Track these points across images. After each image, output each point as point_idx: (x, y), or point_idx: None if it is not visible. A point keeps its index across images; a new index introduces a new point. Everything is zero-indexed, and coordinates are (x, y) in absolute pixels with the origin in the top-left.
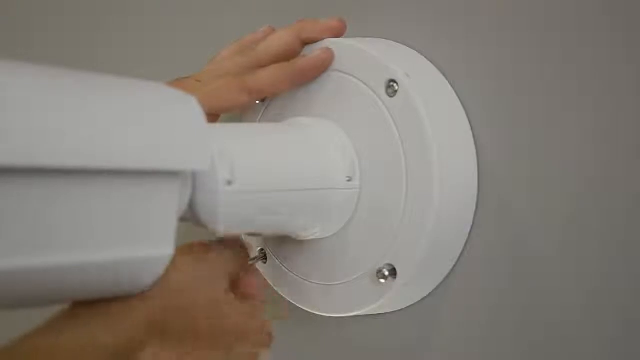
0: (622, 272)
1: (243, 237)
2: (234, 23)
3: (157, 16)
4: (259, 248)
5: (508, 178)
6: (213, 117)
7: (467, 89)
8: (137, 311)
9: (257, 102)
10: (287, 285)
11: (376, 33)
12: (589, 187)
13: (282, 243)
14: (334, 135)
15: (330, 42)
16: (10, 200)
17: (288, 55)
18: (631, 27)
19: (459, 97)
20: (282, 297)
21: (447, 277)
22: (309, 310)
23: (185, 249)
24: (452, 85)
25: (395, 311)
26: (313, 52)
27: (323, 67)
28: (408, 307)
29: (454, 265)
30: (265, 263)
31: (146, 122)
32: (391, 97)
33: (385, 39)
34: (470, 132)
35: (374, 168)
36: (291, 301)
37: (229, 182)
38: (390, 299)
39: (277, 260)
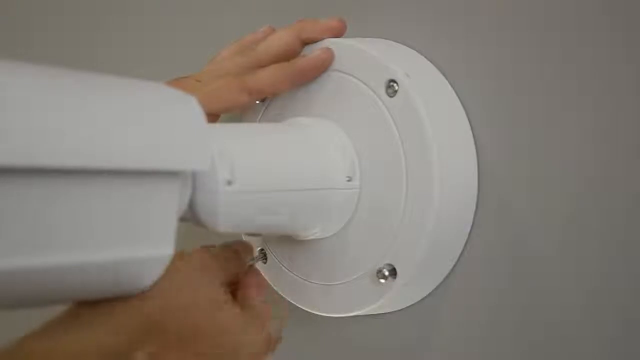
0: (622, 272)
1: (243, 237)
2: (234, 23)
3: (157, 16)
4: (259, 248)
5: (508, 178)
6: (213, 117)
7: (467, 89)
8: (137, 311)
9: (257, 102)
10: (287, 285)
11: (376, 33)
12: (589, 187)
13: (282, 243)
14: (334, 135)
15: (330, 42)
16: (10, 200)
17: (288, 55)
18: (631, 27)
19: (459, 97)
20: (282, 297)
21: (447, 277)
22: (309, 310)
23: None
24: (452, 85)
25: (395, 311)
26: (313, 52)
27: (323, 67)
28: (408, 307)
29: (454, 265)
30: (265, 263)
31: (146, 122)
32: (391, 97)
33: (385, 39)
34: (470, 132)
35: (374, 168)
36: (291, 301)
37: (229, 182)
38: (390, 299)
39: (277, 260)
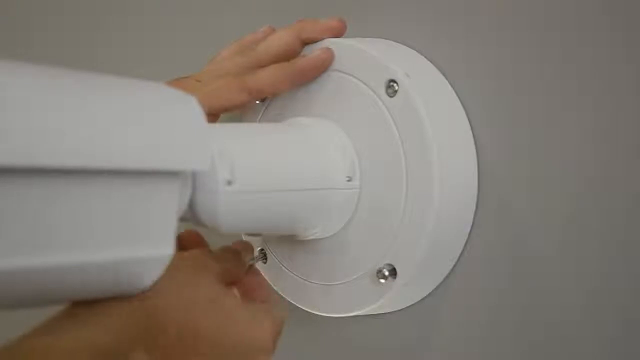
0: (622, 272)
1: (243, 237)
2: (234, 23)
3: (157, 16)
4: (259, 248)
5: (508, 178)
6: (213, 117)
7: (467, 89)
8: (137, 311)
9: (257, 102)
10: (287, 285)
11: (376, 33)
12: (589, 187)
13: (282, 243)
14: (334, 135)
15: (330, 42)
16: (10, 200)
17: (288, 55)
18: (631, 27)
19: (459, 97)
20: (282, 297)
21: (447, 277)
22: (309, 310)
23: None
24: (452, 85)
25: (395, 311)
26: (313, 52)
27: (323, 67)
28: (408, 307)
29: (454, 265)
30: (265, 263)
31: (146, 122)
32: (391, 97)
33: (385, 39)
34: (470, 132)
35: (374, 168)
36: (291, 301)
37: (229, 182)
38: (390, 299)
39: (277, 260)
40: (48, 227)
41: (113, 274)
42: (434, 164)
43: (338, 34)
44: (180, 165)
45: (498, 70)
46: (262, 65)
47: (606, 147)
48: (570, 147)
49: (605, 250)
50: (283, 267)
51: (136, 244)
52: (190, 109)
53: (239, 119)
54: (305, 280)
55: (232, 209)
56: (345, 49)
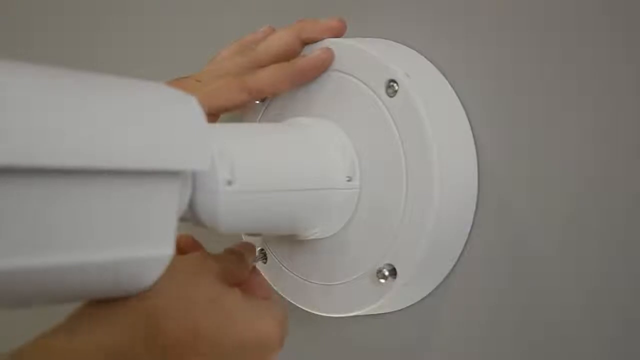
0: (622, 272)
1: (243, 237)
2: (234, 23)
3: (157, 16)
4: (259, 248)
5: (508, 178)
6: (213, 117)
7: (467, 89)
8: (137, 311)
9: (257, 102)
10: (287, 285)
11: (376, 33)
12: (589, 187)
13: (282, 243)
14: (334, 135)
15: (330, 42)
16: (10, 200)
17: (288, 55)
18: (631, 27)
19: (459, 97)
20: (282, 297)
21: (447, 277)
22: (309, 310)
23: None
24: (452, 85)
25: (395, 311)
26: (313, 52)
27: (323, 67)
28: (408, 307)
29: (454, 265)
30: (265, 263)
31: (146, 122)
32: (391, 97)
33: (385, 39)
34: (470, 132)
35: (374, 168)
36: (291, 301)
37: (229, 182)
38: (390, 299)
39: (277, 260)
40: (48, 227)
41: (113, 274)
42: (434, 164)
43: (338, 34)
44: (180, 165)
45: (498, 70)
46: (262, 65)
47: (606, 147)
48: (570, 147)
49: (605, 250)
50: (283, 267)
51: (136, 244)
52: (190, 109)
53: (239, 119)
54: (305, 280)
55: (232, 209)
56: (345, 49)
